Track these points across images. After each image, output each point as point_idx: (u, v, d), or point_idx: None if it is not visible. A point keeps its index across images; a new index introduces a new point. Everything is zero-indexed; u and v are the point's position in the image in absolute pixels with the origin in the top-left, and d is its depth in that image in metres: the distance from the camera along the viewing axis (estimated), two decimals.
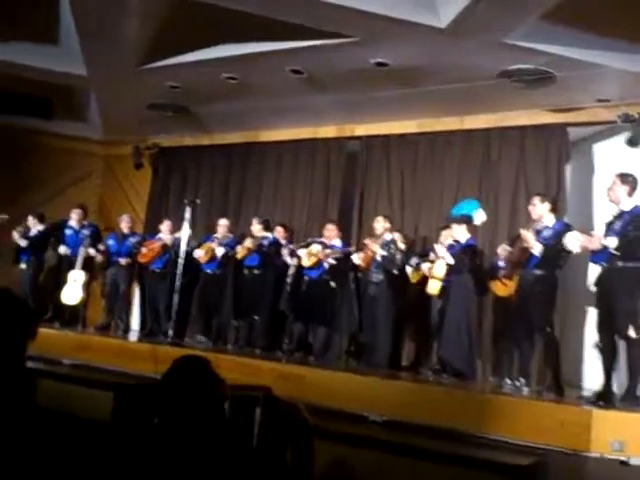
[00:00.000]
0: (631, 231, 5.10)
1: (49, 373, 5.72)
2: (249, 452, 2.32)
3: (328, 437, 2.35)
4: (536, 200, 5.99)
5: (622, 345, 5.29)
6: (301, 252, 7.63)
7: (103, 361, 6.65)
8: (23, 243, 8.81)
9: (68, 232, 8.94)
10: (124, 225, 8.88)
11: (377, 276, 7.10)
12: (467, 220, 6.73)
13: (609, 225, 5.33)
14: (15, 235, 8.79)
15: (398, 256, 7.06)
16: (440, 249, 6.61)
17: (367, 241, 7.30)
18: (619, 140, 6.98)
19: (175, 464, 1.91)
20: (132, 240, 8.77)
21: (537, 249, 5.69)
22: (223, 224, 8.46)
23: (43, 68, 7.78)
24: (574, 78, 6.40)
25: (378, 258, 7.04)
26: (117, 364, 6.48)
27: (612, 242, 5.08)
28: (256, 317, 7.90)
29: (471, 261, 6.56)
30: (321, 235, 7.74)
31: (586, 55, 6.02)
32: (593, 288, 5.56)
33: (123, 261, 8.65)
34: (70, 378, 6.04)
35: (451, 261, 6.48)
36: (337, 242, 7.65)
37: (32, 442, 1.72)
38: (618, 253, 5.08)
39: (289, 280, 7.78)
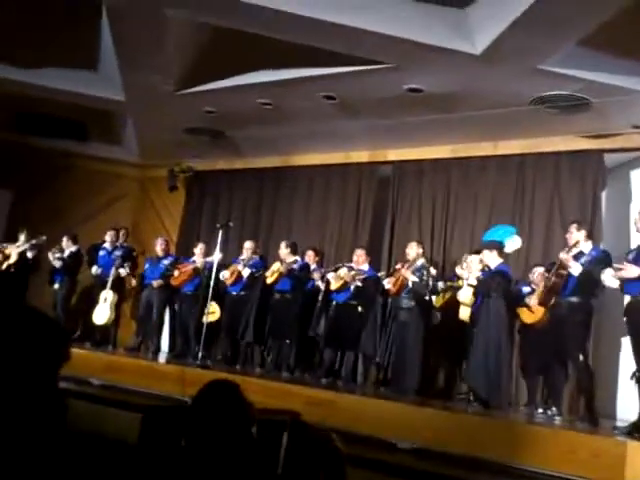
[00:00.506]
0: None
1: (78, 393, 5.76)
2: (274, 478, 2.29)
3: (357, 464, 2.32)
4: (573, 228, 5.95)
5: None
6: (329, 275, 7.64)
7: (132, 382, 6.68)
8: (58, 264, 8.96)
9: (101, 253, 9.14)
10: (159, 248, 8.99)
11: (408, 302, 7.04)
12: (497, 246, 6.66)
13: (638, 254, 5.25)
14: (50, 256, 8.96)
15: (430, 282, 7.02)
16: (462, 272, 6.56)
17: (399, 266, 7.27)
18: None
19: None
20: (165, 262, 8.86)
21: (576, 270, 5.61)
22: (248, 247, 8.48)
23: (81, 93, 7.94)
24: (609, 104, 6.34)
25: (410, 284, 7.00)
26: (145, 385, 6.50)
27: None
28: (288, 341, 7.89)
29: (501, 287, 6.44)
30: (351, 260, 7.73)
31: (621, 81, 5.97)
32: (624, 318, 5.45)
33: (155, 283, 8.73)
34: (99, 398, 6.08)
35: (473, 282, 6.40)
36: (365, 267, 7.64)
37: (62, 464, 1.72)
38: None
39: (319, 305, 7.76)
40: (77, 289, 9.38)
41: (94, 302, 8.83)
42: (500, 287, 6.42)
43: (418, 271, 7.01)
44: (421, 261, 7.11)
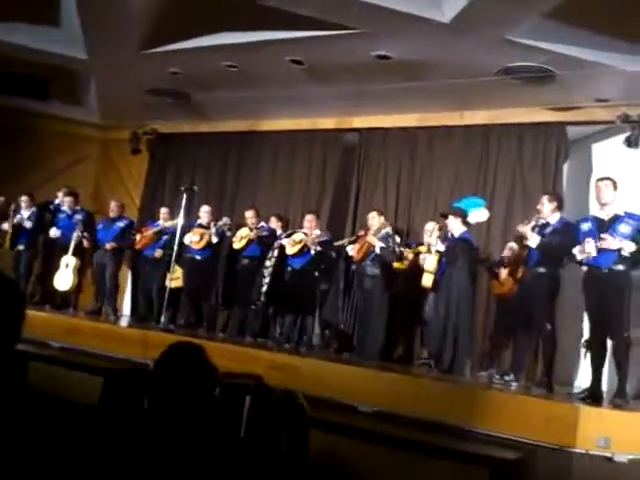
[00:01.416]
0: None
1: (37, 355, 5.70)
2: (236, 441, 2.32)
3: (318, 426, 2.36)
4: (544, 199, 6.01)
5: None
6: (284, 241, 7.64)
7: (93, 345, 6.64)
8: (29, 224, 8.73)
9: (61, 216, 8.89)
10: (110, 210, 8.85)
11: (372, 269, 7.11)
12: (462, 214, 6.74)
13: (599, 227, 5.36)
14: (17, 217, 8.70)
15: (396, 248, 7.10)
16: (429, 239, 6.62)
17: (361, 233, 7.33)
18: (617, 140, 6.99)
19: (162, 449, 1.91)
20: (120, 224, 8.74)
21: (534, 242, 5.71)
22: (205, 211, 8.38)
23: (42, 50, 7.72)
24: (574, 77, 6.40)
25: (377, 250, 7.05)
26: (107, 349, 6.47)
27: (629, 246, 5.14)
28: (253, 307, 7.89)
29: (465, 254, 6.56)
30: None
31: (587, 54, 6.02)
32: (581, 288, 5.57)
33: (108, 246, 8.61)
34: (59, 361, 6.04)
35: (441, 248, 6.48)
36: (317, 232, 7.63)
37: (22, 424, 1.71)
38: (629, 256, 5.14)
39: (269, 270, 7.71)
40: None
41: (53, 265, 8.63)
42: (464, 255, 6.54)
43: (384, 238, 7.07)
44: (387, 229, 7.16)
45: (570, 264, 5.86)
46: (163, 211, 8.68)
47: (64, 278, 8.50)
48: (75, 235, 8.52)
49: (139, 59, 7.54)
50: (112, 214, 8.82)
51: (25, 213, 8.81)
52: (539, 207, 6.02)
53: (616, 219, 5.34)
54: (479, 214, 6.89)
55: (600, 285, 5.32)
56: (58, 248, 8.69)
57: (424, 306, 6.90)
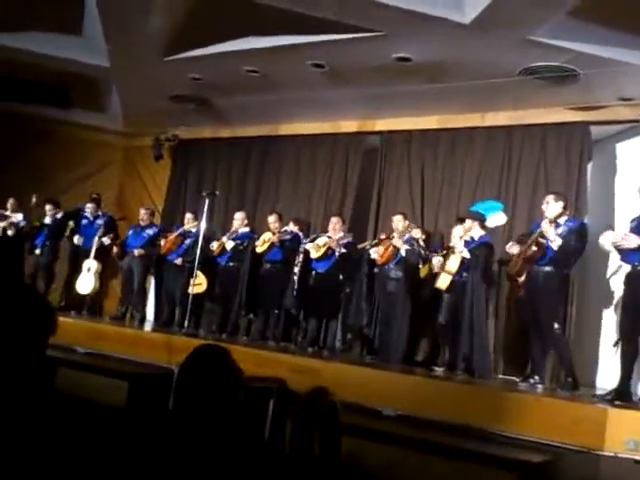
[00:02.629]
0: None
1: (64, 361, 5.76)
2: (260, 444, 2.31)
3: (342, 430, 2.35)
4: (550, 198, 5.95)
5: None
6: (308, 246, 7.65)
7: (118, 350, 6.69)
8: (48, 220, 8.90)
9: (84, 222, 9.06)
10: (142, 217, 8.96)
11: (396, 272, 7.09)
12: (480, 218, 6.71)
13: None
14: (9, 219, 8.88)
15: (422, 251, 7.08)
16: (458, 243, 6.57)
17: (383, 236, 7.34)
18: None
19: (186, 450, 1.92)
20: (149, 232, 8.83)
21: (557, 243, 5.65)
22: (238, 218, 8.47)
23: (65, 58, 7.82)
24: (597, 76, 6.33)
25: (403, 253, 7.03)
26: (132, 353, 6.52)
27: None
28: (277, 311, 7.92)
29: (485, 259, 6.53)
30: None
31: (610, 53, 5.95)
32: (620, 287, 5.49)
33: (137, 252, 8.70)
34: (85, 366, 6.09)
35: (467, 255, 6.45)
36: (341, 235, 7.66)
37: (50, 427, 1.73)
38: None
39: (296, 277, 7.75)
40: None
41: (76, 271, 8.78)
42: (485, 259, 6.51)
43: (408, 241, 7.04)
44: (411, 233, 7.12)
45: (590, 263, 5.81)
46: (188, 217, 8.76)
47: (86, 282, 8.63)
48: (97, 239, 8.66)
49: (160, 66, 7.60)
50: (142, 222, 8.92)
51: (48, 219, 8.94)
52: (544, 206, 5.95)
53: None
54: (497, 218, 6.84)
55: (632, 283, 5.25)
56: (82, 254, 8.85)
57: (441, 307, 6.85)
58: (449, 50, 6.36)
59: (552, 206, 5.88)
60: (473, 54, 6.34)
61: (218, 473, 1.89)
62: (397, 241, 7.05)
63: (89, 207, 9.09)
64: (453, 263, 6.53)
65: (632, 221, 5.42)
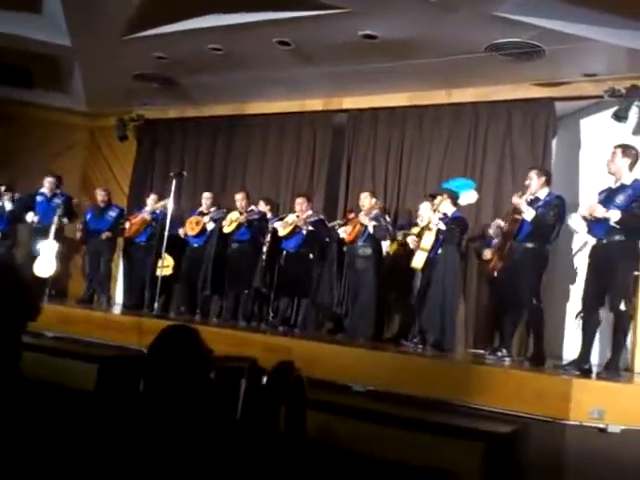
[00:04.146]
0: (636, 208, 5.08)
1: (33, 345, 5.68)
2: (233, 423, 2.32)
3: (313, 406, 2.37)
4: (533, 173, 6.02)
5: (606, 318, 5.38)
6: (276, 224, 7.66)
7: (87, 334, 6.63)
8: (8, 206, 8.61)
9: (39, 199, 8.69)
10: (99, 199, 8.80)
11: (365, 250, 7.12)
12: (452, 195, 6.76)
13: (608, 197, 5.30)
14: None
15: (389, 226, 7.13)
16: (433, 217, 6.58)
17: (352, 215, 7.35)
18: (606, 115, 6.98)
19: (158, 432, 1.92)
20: (112, 214, 8.70)
21: (529, 215, 5.72)
22: (207, 197, 8.42)
23: (25, 37, 7.62)
24: (562, 52, 6.39)
25: (370, 230, 7.05)
26: (101, 336, 6.46)
27: (615, 215, 5.05)
28: (246, 291, 7.91)
29: (460, 233, 6.62)
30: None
31: (575, 29, 5.99)
32: (585, 260, 5.56)
33: (104, 235, 8.58)
34: (54, 350, 6.02)
35: (443, 227, 6.48)
36: (309, 213, 7.68)
37: (18, 411, 1.72)
38: (618, 227, 5.07)
39: (264, 256, 7.73)
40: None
41: (32, 252, 8.36)
42: (460, 233, 6.59)
43: (375, 218, 7.07)
44: (377, 210, 7.16)
45: (558, 238, 5.90)
46: (152, 197, 8.66)
47: (46, 264, 8.20)
48: (56, 219, 8.27)
49: (123, 44, 7.45)
50: (102, 203, 8.77)
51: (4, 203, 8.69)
52: (527, 182, 6.03)
53: (621, 189, 5.25)
54: (469, 196, 6.92)
55: (597, 256, 5.33)
56: (38, 233, 8.45)
57: (414, 285, 6.92)
58: (415, 27, 6.34)
59: (535, 181, 5.95)
60: (439, 31, 6.33)
61: (190, 453, 1.89)
62: (364, 218, 7.08)
63: (49, 181, 8.72)
64: (427, 240, 6.54)
65: (600, 193, 5.46)
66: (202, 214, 8.30)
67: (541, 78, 7.25)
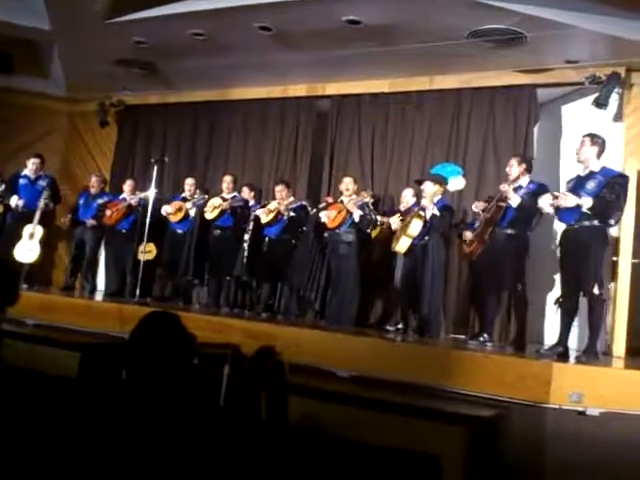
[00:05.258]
0: (607, 194, 5.18)
1: (14, 333, 5.64)
2: (216, 410, 2.33)
3: (297, 392, 2.37)
4: (514, 160, 6.10)
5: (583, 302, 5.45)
6: (258, 212, 7.67)
7: (68, 321, 6.59)
8: None
9: (22, 182, 8.43)
10: (93, 186, 8.74)
11: (348, 235, 7.12)
12: (441, 181, 6.77)
13: (578, 184, 5.40)
14: None
15: (374, 216, 7.13)
16: (429, 204, 6.57)
17: (330, 200, 7.40)
18: (587, 102, 7.03)
19: (141, 419, 1.92)
20: (99, 201, 8.63)
21: (515, 201, 5.79)
22: (190, 183, 8.37)
23: (3, 21, 7.49)
24: (544, 38, 6.40)
25: (356, 218, 7.04)
26: (83, 324, 6.43)
27: (587, 202, 5.16)
28: (228, 278, 7.89)
29: (448, 221, 6.66)
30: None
31: (556, 15, 6.01)
32: (557, 246, 5.66)
33: (88, 223, 8.51)
34: (35, 338, 5.98)
35: (437, 213, 6.48)
36: (290, 200, 7.69)
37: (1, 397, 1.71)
38: (590, 213, 5.17)
39: (247, 244, 7.73)
40: None
41: (13, 237, 7.98)
42: (448, 221, 6.63)
43: (361, 207, 7.07)
44: (366, 199, 7.14)
45: (539, 225, 5.96)
46: (128, 183, 8.60)
47: (29, 249, 7.86)
48: (41, 203, 8.02)
49: (103, 29, 7.35)
50: (93, 190, 8.69)
51: None
52: (508, 169, 6.10)
53: (590, 176, 5.38)
54: (457, 182, 6.93)
55: (569, 242, 5.41)
56: (21, 217, 8.14)
57: (396, 270, 6.94)
58: (399, 13, 6.33)
59: (515, 168, 6.03)
60: (422, 17, 6.32)
61: (174, 440, 1.89)
62: (352, 206, 7.05)
63: (33, 162, 8.42)
64: (416, 226, 6.51)
65: (569, 182, 5.61)
66: (185, 200, 8.25)
67: (523, 65, 7.27)
